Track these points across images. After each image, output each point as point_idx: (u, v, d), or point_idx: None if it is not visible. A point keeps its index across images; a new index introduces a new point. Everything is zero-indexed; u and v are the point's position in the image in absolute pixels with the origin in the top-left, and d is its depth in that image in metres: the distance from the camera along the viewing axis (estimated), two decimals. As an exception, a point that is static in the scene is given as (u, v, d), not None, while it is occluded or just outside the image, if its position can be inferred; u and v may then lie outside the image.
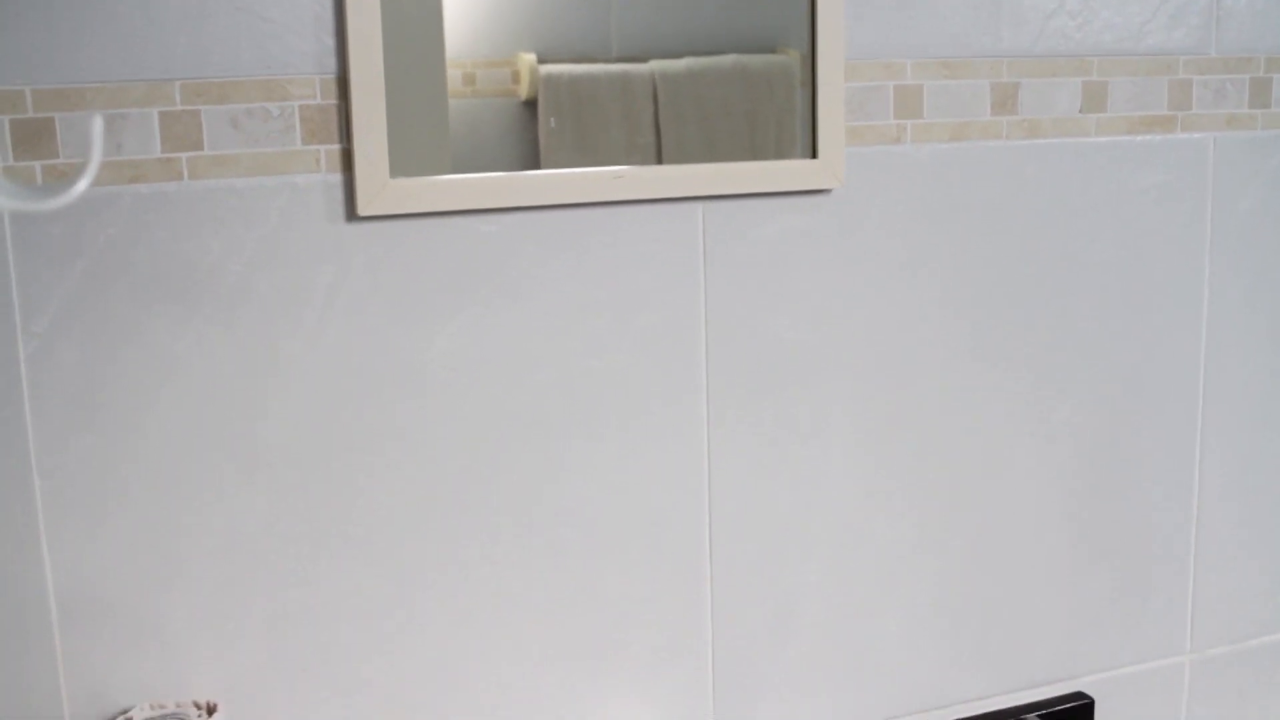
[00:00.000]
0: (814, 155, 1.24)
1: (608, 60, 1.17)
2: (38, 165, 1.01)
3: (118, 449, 1.07)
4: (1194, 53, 1.39)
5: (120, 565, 1.08)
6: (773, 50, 1.23)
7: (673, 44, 1.19)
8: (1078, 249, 1.38)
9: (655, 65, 1.18)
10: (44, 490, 1.06)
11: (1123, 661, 1.49)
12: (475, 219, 1.15)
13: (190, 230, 1.07)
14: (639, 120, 1.19)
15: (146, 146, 1.04)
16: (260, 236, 1.08)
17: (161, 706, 1.09)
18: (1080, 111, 1.35)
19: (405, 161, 1.10)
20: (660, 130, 1.19)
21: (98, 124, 0.88)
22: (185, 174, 1.06)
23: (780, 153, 1.23)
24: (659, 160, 1.19)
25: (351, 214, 1.11)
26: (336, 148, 1.10)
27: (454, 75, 1.11)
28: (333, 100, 1.09)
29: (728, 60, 1.21)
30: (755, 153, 1.23)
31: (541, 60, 1.14)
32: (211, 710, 1.09)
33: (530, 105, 1.15)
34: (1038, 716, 1.43)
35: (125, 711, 1.09)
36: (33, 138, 1.01)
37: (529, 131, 1.15)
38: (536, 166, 1.15)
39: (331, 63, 1.08)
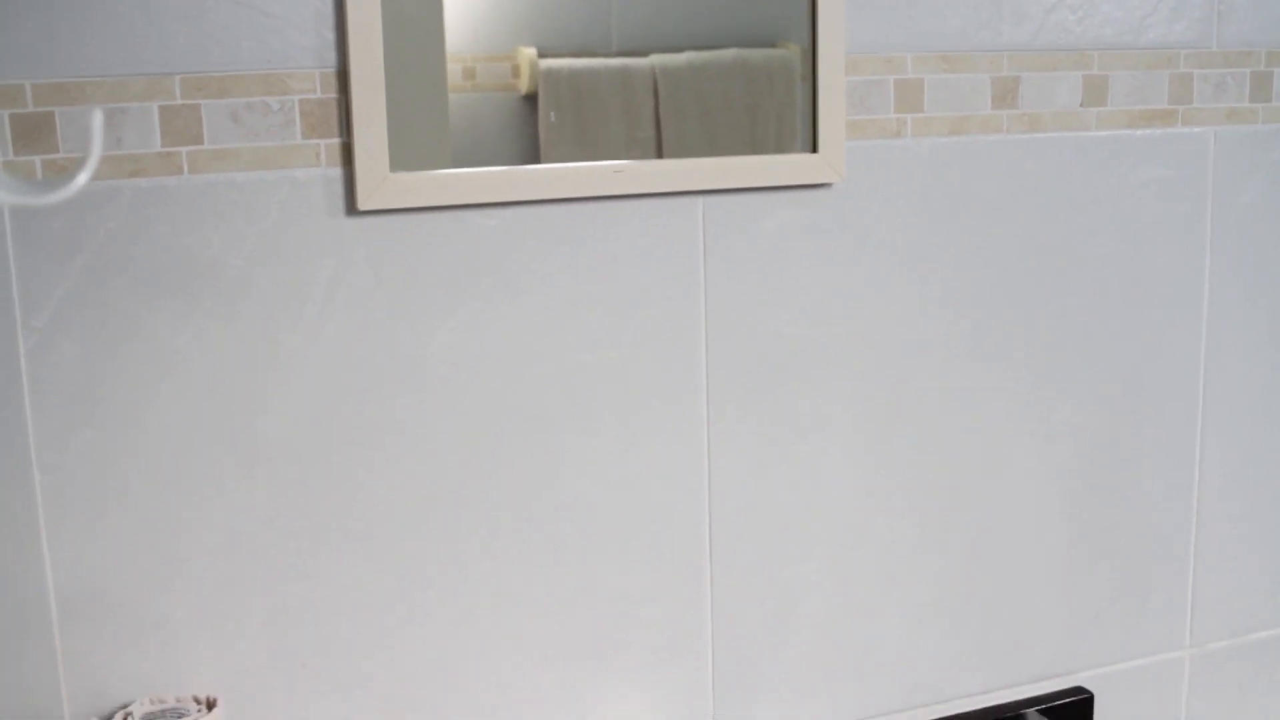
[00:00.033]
0: (814, 149, 1.24)
1: (608, 54, 1.17)
2: (38, 160, 1.01)
3: (118, 444, 1.07)
4: (1195, 46, 1.39)
5: (120, 560, 1.08)
6: (773, 44, 1.23)
7: (673, 38, 1.19)
8: (1078, 243, 1.38)
9: (655, 59, 1.18)
10: (44, 485, 1.05)
11: (1122, 656, 1.49)
12: (475, 213, 1.15)
13: (190, 225, 1.06)
14: (639, 114, 1.18)
15: (146, 141, 1.04)
16: (260, 231, 1.08)
17: (161, 701, 1.09)
18: (1081, 105, 1.35)
19: (405, 156, 1.10)
20: (660, 124, 1.19)
21: (98, 118, 0.88)
22: (185, 168, 1.06)
23: (780, 147, 1.23)
24: (659, 154, 1.19)
25: (351, 208, 1.11)
26: (336, 142, 1.09)
27: (454, 69, 1.11)
28: (333, 94, 1.09)
29: (728, 54, 1.21)
30: (755, 147, 1.22)
31: (541, 54, 1.14)
32: (211, 705, 1.09)
33: (530, 99, 1.15)
34: (1038, 711, 1.43)
35: (125, 706, 1.09)
36: (32, 132, 1.01)
37: (529, 126, 1.15)
38: (536, 161, 1.15)
39: (332, 57, 1.08)
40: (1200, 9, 1.38)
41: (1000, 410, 1.38)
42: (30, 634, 1.07)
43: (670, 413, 1.24)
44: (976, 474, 1.38)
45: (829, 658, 1.35)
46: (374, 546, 1.16)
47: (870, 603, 1.36)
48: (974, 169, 1.32)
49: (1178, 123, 1.40)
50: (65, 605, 1.07)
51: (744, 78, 1.21)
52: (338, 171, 1.10)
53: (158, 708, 1.09)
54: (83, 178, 0.86)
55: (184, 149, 1.05)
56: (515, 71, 1.14)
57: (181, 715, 1.08)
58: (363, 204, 1.09)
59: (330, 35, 1.08)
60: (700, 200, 1.22)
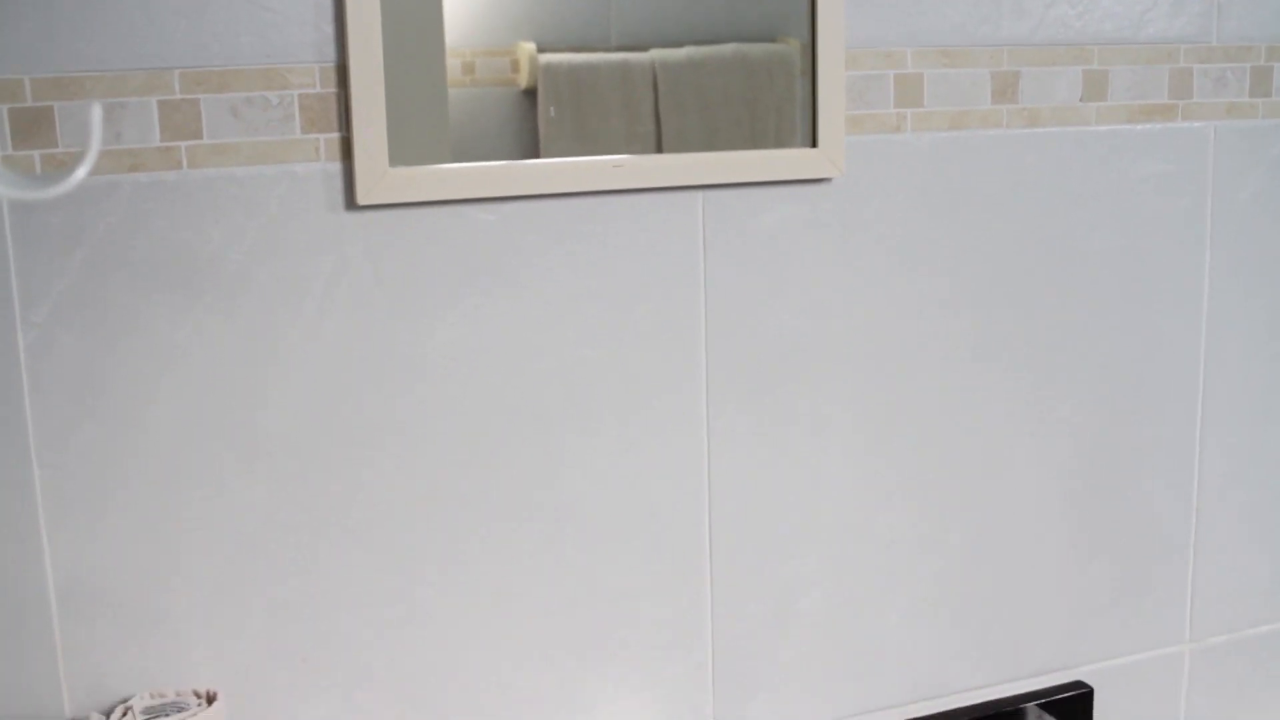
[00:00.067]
0: (814, 144, 1.24)
1: (607, 49, 1.17)
2: (37, 154, 1.01)
3: (117, 439, 1.07)
4: (1195, 41, 1.39)
5: (120, 554, 1.08)
6: (773, 39, 1.22)
7: (673, 33, 1.19)
8: (1078, 237, 1.38)
9: (655, 54, 1.18)
10: (43, 480, 1.06)
11: (1122, 651, 1.49)
12: (475, 208, 1.15)
13: (190, 219, 1.06)
14: (639, 109, 1.18)
15: (146, 135, 1.04)
16: (260, 226, 1.08)
17: (161, 695, 1.09)
18: (1081, 100, 1.35)
19: (404, 150, 1.10)
20: (660, 119, 1.19)
21: (97, 113, 0.88)
22: (184, 163, 1.05)
23: (780, 141, 1.23)
24: (659, 149, 1.19)
25: (351, 203, 1.11)
26: (336, 136, 1.09)
27: (453, 64, 1.11)
28: (332, 89, 1.09)
29: (728, 49, 1.21)
30: (755, 142, 1.22)
31: (541, 49, 1.14)
32: (211, 699, 1.09)
33: (530, 94, 1.15)
34: (1038, 706, 1.43)
35: (125, 700, 1.09)
36: (31, 127, 1.01)
37: (528, 120, 1.15)
38: (536, 155, 1.15)
39: (331, 51, 1.08)
40: (1200, 4, 1.38)
41: (1000, 405, 1.38)
42: (30, 629, 1.07)
43: (670, 408, 1.24)
44: (976, 469, 1.38)
45: (829, 654, 1.35)
46: (373, 541, 1.16)
47: (870, 599, 1.36)
48: (974, 164, 1.32)
49: (1178, 118, 1.40)
50: (65, 600, 1.07)
51: (744, 72, 1.21)
52: (337, 166, 1.10)
53: (158, 702, 1.09)
54: (82, 172, 0.86)
55: (183, 144, 1.05)
56: (515, 66, 1.14)
57: (181, 710, 1.08)
58: (362, 199, 1.09)
59: (329, 30, 1.08)
60: (700, 195, 1.22)
